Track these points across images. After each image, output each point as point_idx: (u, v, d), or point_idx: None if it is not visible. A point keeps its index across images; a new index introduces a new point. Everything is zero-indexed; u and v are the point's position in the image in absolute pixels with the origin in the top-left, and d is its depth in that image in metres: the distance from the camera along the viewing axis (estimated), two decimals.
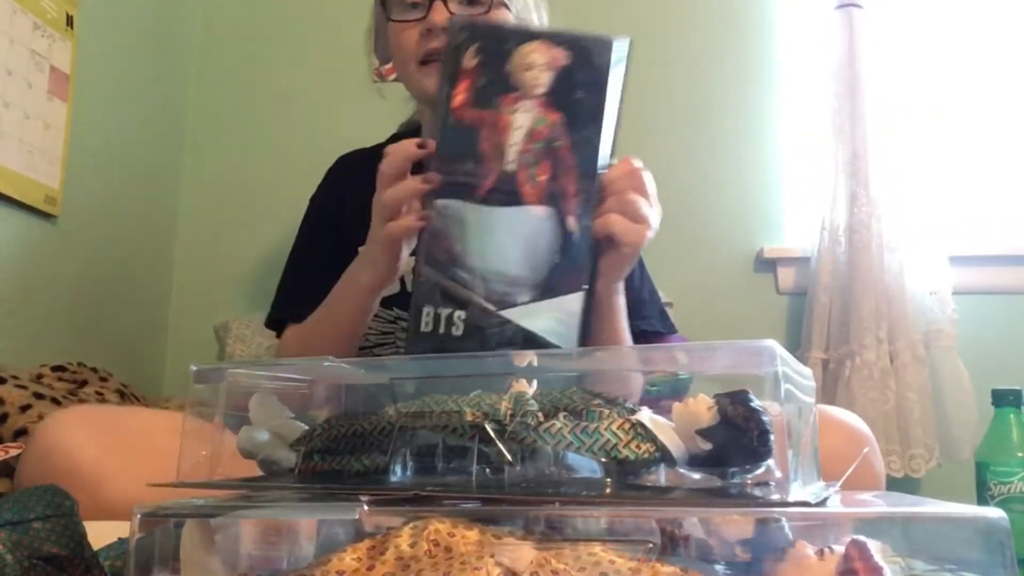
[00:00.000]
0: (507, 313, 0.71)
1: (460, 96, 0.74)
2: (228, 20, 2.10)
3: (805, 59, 1.94)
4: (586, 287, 0.72)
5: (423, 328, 0.72)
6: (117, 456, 0.85)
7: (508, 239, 0.73)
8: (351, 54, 1.24)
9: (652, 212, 0.79)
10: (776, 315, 1.91)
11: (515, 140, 0.73)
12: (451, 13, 1.02)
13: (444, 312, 0.72)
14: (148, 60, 1.90)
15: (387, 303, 1.10)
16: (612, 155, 0.76)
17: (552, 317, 0.71)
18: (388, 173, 0.81)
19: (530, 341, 0.71)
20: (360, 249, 1.08)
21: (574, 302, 0.72)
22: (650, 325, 1.14)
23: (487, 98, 0.73)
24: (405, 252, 0.86)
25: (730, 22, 1.99)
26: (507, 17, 1.06)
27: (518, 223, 0.73)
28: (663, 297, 1.81)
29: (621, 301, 0.90)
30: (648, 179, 0.79)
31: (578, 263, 0.72)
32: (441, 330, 0.72)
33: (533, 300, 0.71)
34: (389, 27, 1.09)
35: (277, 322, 1.18)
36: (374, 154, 1.23)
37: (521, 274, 0.72)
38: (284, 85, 2.05)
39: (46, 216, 1.55)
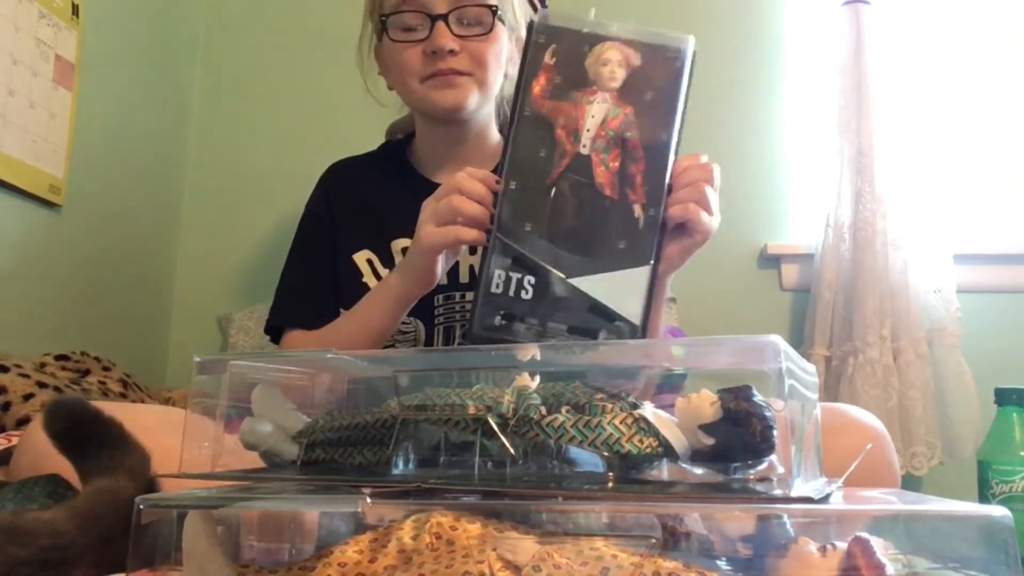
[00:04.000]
0: (576, 282, 0.73)
1: (538, 87, 0.77)
2: (233, 11, 2.10)
3: (811, 55, 1.93)
4: (652, 262, 0.75)
5: (493, 289, 0.74)
6: None
7: (578, 222, 0.75)
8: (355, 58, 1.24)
9: (717, 204, 0.82)
10: (779, 312, 1.90)
11: (590, 126, 0.76)
12: (454, 34, 1.06)
13: (515, 276, 0.74)
14: (153, 50, 1.90)
15: None
16: (677, 151, 0.79)
17: (619, 289, 0.74)
18: (465, 186, 0.81)
19: (596, 311, 0.73)
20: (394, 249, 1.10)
21: (641, 276, 0.74)
22: None
23: (564, 92, 0.77)
24: (442, 265, 0.89)
25: (736, 17, 1.99)
26: (502, 35, 1.10)
27: (588, 207, 0.76)
28: (667, 292, 1.82)
29: (666, 291, 0.94)
30: (717, 173, 0.82)
31: (643, 246, 0.75)
32: (511, 292, 0.74)
33: (600, 271, 0.74)
34: (389, 45, 1.11)
35: (276, 328, 1.18)
36: (365, 164, 1.26)
37: (589, 249, 0.75)
38: (289, 76, 2.05)
39: (50, 205, 1.55)
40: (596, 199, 0.75)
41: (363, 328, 1.00)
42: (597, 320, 0.73)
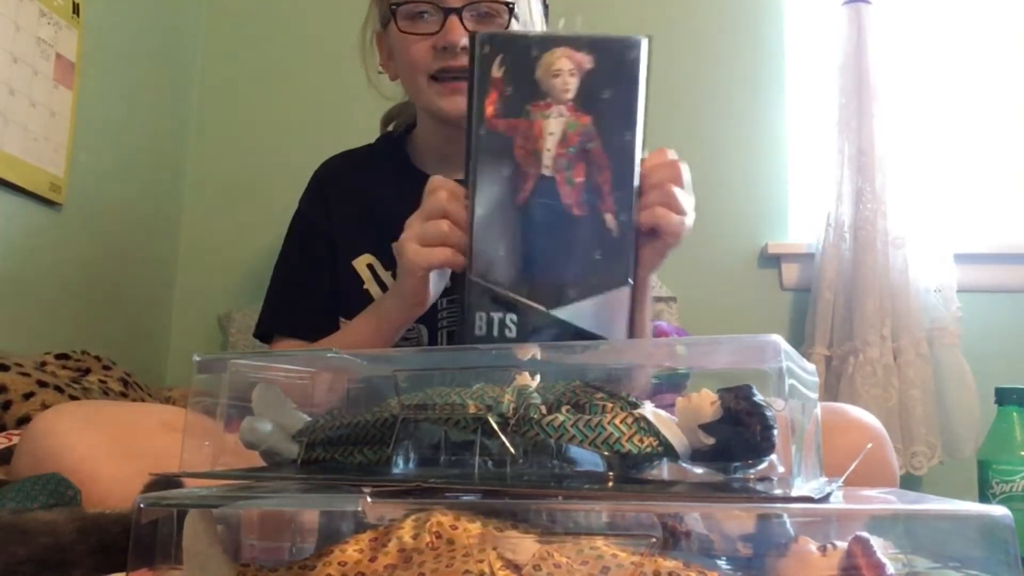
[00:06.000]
0: (558, 313, 0.73)
1: (491, 106, 0.75)
2: (233, 11, 2.10)
3: (812, 54, 1.93)
4: (631, 282, 0.75)
5: (477, 332, 0.73)
6: (108, 455, 0.83)
7: (550, 242, 0.74)
8: (357, 42, 1.24)
9: (689, 202, 0.81)
10: (780, 311, 1.90)
11: (549, 145, 0.74)
12: (466, 29, 1.00)
13: (496, 316, 0.73)
14: (154, 49, 1.90)
15: None
16: (643, 148, 0.77)
17: (602, 312, 0.74)
18: (452, 210, 0.79)
19: (583, 338, 0.73)
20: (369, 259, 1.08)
21: (622, 296, 0.74)
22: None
23: (517, 106, 0.75)
24: (434, 285, 0.85)
25: (737, 17, 1.99)
26: (515, 28, 1.04)
27: (558, 226, 0.74)
28: (667, 292, 1.82)
29: (650, 288, 0.91)
30: (684, 169, 0.81)
31: (620, 258, 0.74)
32: (495, 334, 0.73)
33: (581, 298, 0.73)
34: (397, 36, 1.06)
35: (266, 335, 1.17)
36: (362, 161, 1.22)
37: (565, 274, 0.74)
38: (289, 76, 2.05)
39: (50, 204, 1.55)
40: (565, 219, 0.74)
41: (357, 347, 0.98)
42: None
